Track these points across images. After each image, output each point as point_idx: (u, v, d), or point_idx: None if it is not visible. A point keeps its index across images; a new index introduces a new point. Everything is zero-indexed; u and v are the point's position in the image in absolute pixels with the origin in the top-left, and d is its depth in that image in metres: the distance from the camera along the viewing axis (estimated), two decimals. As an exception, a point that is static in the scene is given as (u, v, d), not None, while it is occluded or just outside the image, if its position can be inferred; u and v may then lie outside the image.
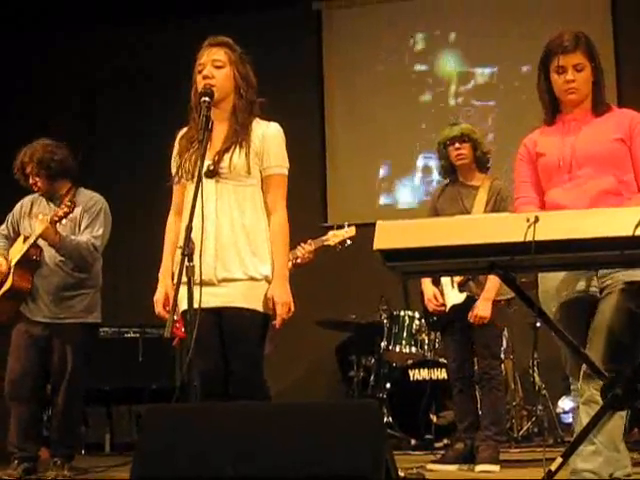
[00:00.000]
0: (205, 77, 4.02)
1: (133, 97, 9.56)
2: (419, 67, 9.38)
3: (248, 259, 3.96)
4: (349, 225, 5.99)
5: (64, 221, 5.67)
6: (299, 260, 5.73)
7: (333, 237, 5.94)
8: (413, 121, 9.27)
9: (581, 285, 3.74)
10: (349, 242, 5.95)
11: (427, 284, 5.94)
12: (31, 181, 5.85)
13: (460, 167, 5.91)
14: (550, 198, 3.82)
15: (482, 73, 9.27)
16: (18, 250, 5.81)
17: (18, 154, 5.90)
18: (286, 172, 4.12)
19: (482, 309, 5.69)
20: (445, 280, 5.86)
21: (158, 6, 9.35)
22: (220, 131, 4.05)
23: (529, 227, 3.12)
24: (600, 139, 3.78)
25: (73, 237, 5.75)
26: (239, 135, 4.03)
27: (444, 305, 5.86)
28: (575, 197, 3.72)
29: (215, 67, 4.04)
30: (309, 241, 5.82)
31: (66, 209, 5.58)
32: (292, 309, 3.97)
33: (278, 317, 3.93)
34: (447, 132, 5.95)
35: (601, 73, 3.85)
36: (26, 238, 5.77)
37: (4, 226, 6.05)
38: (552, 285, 3.80)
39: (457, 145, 5.86)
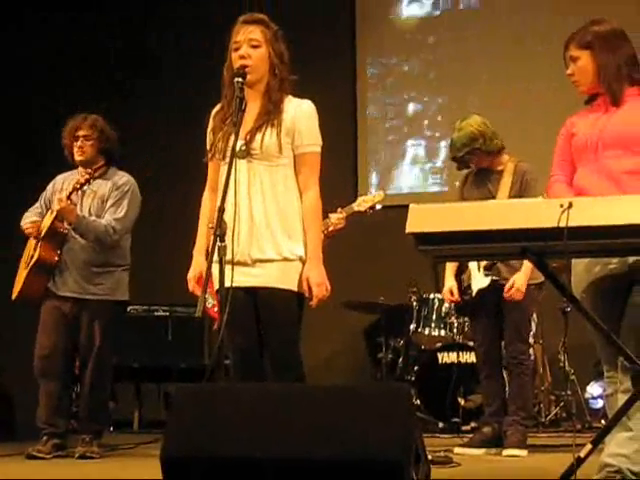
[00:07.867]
0: (242, 57, 3.99)
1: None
2: (454, 39, 9.17)
3: (282, 240, 3.94)
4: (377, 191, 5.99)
5: (88, 194, 5.83)
6: (331, 229, 5.68)
7: (363, 202, 5.91)
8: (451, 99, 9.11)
9: (612, 263, 3.69)
10: (379, 207, 5.95)
11: (448, 276, 5.96)
12: (79, 143, 5.92)
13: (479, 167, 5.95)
14: (576, 179, 3.80)
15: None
16: (46, 223, 5.87)
17: (69, 119, 6.01)
18: (319, 150, 4.07)
19: (519, 281, 5.65)
20: (472, 264, 5.85)
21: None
22: (253, 110, 4.01)
23: (562, 213, 3.11)
24: (629, 121, 3.73)
25: (93, 218, 5.81)
26: (271, 114, 4.00)
27: (463, 297, 5.89)
28: (597, 179, 3.69)
29: (251, 46, 4.01)
30: (339, 209, 5.79)
31: (87, 176, 5.73)
32: (329, 289, 3.96)
33: (314, 298, 3.93)
34: (451, 149, 5.91)
35: (608, 54, 3.76)
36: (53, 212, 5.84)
37: (38, 204, 6.11)
38: (582, 268, 3.77)
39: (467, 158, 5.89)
